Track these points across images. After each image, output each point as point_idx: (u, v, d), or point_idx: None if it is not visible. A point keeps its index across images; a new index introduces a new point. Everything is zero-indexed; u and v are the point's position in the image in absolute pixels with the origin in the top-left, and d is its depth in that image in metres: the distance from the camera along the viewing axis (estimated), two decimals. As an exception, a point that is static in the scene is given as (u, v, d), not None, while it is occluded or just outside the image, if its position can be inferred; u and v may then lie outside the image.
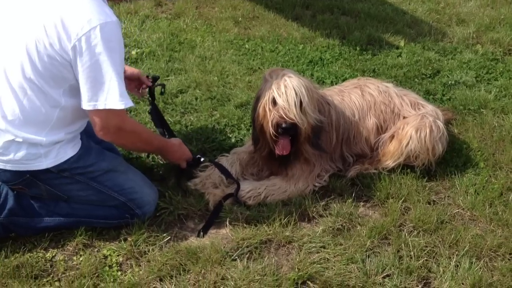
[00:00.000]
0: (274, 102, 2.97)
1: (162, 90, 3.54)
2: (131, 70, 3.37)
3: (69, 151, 2.74)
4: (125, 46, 4.91)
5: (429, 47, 5.25)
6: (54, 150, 2.69)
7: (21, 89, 2.56)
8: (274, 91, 2.96)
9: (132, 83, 3.37)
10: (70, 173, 2.77)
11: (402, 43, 5.29)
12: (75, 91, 2.60)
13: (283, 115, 2.95)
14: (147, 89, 3.43)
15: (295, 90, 2.94)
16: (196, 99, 4.13)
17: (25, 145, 2.62)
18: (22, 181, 2.73)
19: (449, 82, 4.60)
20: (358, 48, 5.08)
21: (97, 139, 3.08)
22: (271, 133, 2.99)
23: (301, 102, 2.97)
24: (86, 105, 2.56)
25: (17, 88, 2.55)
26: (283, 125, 2.95)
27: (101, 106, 2.55)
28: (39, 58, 2.51)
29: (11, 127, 2.59)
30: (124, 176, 2.92)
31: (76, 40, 2.45)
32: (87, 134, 2.98)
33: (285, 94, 2.94)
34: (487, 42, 5.41)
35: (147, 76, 3.45)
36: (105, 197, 2.87)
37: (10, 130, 2.59)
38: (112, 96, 2.54)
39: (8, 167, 2.65)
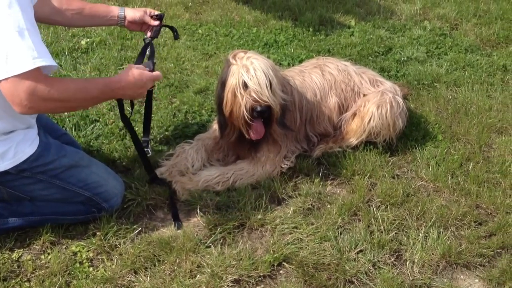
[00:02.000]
0: (245, 86, 2.94)
1: (176, 34, 3.19)
2: (133, 14, 3.07)
3: (27, 150, 2.59)
4: (74, 36, 4.78)
5: (379, 25, 5.33)
6: (11, 150, 2.54)
7: None
8: (244, 74, 2.92)
9: (138, 27, 3.13)
10: (31, 172, 2.64)
11: (353, 23, 5.34)
12: None
13: (257, 98, 2.92)
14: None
15: (264, 72, 2.92)
16: (154, 86, 4.04)
17: None
18: None
19: (402, 58, 4.70)
20: (311, 29, 5.10)
21: (55, 134, 2.97)
22: (246, 117, 2.95)
23: (271, 83, 2.95)
24: None
25: None
26: (258, 109, 2.93)
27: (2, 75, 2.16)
28: None
29: None
30: (87, 171, 2.81)
31: None
32: (45, 129, 2.86)
33: (256, 76, 2.91)
34: (434, 18, 5.55)
35: (151, 16, 3.10)
36: (70, 194, 2.76)
37: None
38: (15, 61, 2.14)
39: None
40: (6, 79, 2.17)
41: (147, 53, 3.01)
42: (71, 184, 2.74)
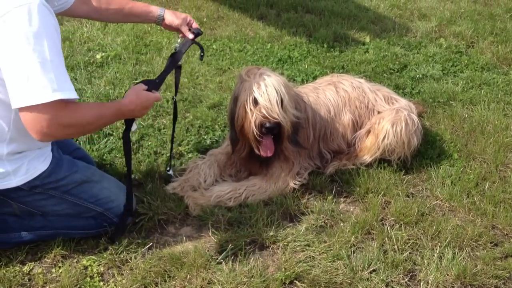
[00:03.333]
0: (255, 102, 2.95)
1: (202, 54, 3.17)
2: (172, 19, 3.04)
3: (40, 166, 2.60)
4: (89, 50, 4.82)
5: (394, 42, 5.31)
6: (23, 166, 2.55)
7: None
8: (255, 90, 2.93)
9: (173, 29, 3.13)
10: (43, 188, 2.64)
11: (367, 39, 5.33)
12: None
13: (266, 114, 2.92)
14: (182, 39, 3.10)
15: (275, 89, 2.92)
16: (167, 101, 4.05)
17: None
18: None
19: (417, 76, 4.67)
20: (325, 46, 5.09)
21: (68, 149, 2.98)
22: (255, 133, 2.96)
23: (282, 100, 2.95)
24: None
25: None
26: (267, 125, 2.93)
27: (18, 104, 2.21)
28: None
29: None
30: (99, 186, 2.81)
31: None
32: (58, 144, 2.86)
33: (266, 93, 2.91)
34: (449, 36, 5.52)
35: (190, 29, 3.08)
36: (81, 209, 2.76)
37: None
38: (36, 92, 2.18)
39: None
40: (26, 107, 2.19)
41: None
42: (83, 199, 2.75)
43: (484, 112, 4.10)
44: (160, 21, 3.07)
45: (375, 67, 4.76)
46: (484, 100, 4.29)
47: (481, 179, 3.40)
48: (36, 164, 2.59)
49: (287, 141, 3.10)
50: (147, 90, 2.70)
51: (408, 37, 5.46)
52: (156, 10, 3.07)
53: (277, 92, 2.92)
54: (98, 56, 4.70)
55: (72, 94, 2.28)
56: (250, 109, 2.95)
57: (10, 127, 2.44)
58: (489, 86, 4.55)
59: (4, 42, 2.18)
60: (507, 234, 3.02)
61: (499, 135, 3.81)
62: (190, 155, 3.50)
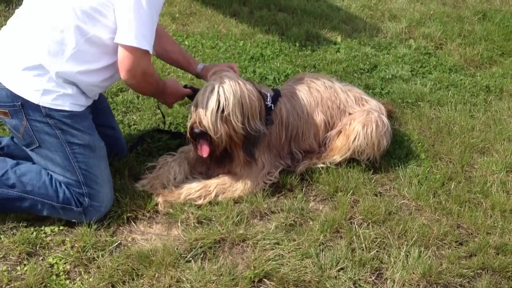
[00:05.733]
0: (196, 105, 3.01)
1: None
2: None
3: (66, 105, 2.73)
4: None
5: (365, 42, 5.37)
6: (54, 94, 2.70)
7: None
8: (201, 93, 3.00)
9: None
10: (55, 123, 2.73)
11: (339, 39, 5.37)
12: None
13: (197, 120, 2.99)
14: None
15: (219, 98, 2.94)
16: (138, 97, 4.02)
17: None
18: (12, 106, 2.70)
19: (387, 76, 4.72)
20: (297, 44, 5.12)
21: (105, 122, 3.23)
22: (189, 134, 3.05)
23: (223, 110, 2.95)
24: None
25: None
26: (195, 130, 3.00)
27: (118, 40, 2.68)
28: None
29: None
30: (96, 161, 2.87)
31: None
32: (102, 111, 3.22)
33: (206, 99, 2.96)
34: (419, 37, 5.60)
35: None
36: (69, 167, 2.81)
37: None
38: (149, 40, 2.70)
39: (9, 84, 2.67)
40: (122, 45, 2.68)
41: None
42: (76, 160, 2.81)
43: (451, 113, 4.18)
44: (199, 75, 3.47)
45: (346, 66, 4.80)
46: (451, 101, 4.38)
47: (447, 179, 3.47)
48: (65, 101, 2.74)
49: (240, 150, 3.11)
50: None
51: (379, 38, 5.53)
52: (195, 66, 3.43)
53: (220, 102, 2.94)
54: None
55: (151, 49, 2.73)
56: (192, 111, 3.04)
57: (78, 44, 2.68)
58: (456, 87, 4.64)
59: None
60: (471, 234, 3.09)
61: (465, 136, 3.89)
62: (160, 152, 3.48)
